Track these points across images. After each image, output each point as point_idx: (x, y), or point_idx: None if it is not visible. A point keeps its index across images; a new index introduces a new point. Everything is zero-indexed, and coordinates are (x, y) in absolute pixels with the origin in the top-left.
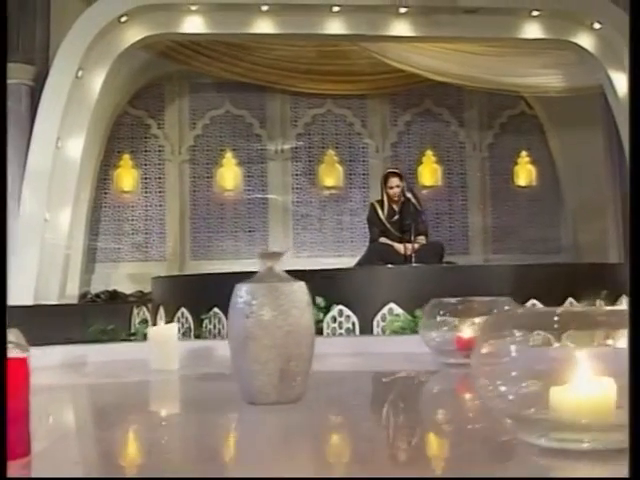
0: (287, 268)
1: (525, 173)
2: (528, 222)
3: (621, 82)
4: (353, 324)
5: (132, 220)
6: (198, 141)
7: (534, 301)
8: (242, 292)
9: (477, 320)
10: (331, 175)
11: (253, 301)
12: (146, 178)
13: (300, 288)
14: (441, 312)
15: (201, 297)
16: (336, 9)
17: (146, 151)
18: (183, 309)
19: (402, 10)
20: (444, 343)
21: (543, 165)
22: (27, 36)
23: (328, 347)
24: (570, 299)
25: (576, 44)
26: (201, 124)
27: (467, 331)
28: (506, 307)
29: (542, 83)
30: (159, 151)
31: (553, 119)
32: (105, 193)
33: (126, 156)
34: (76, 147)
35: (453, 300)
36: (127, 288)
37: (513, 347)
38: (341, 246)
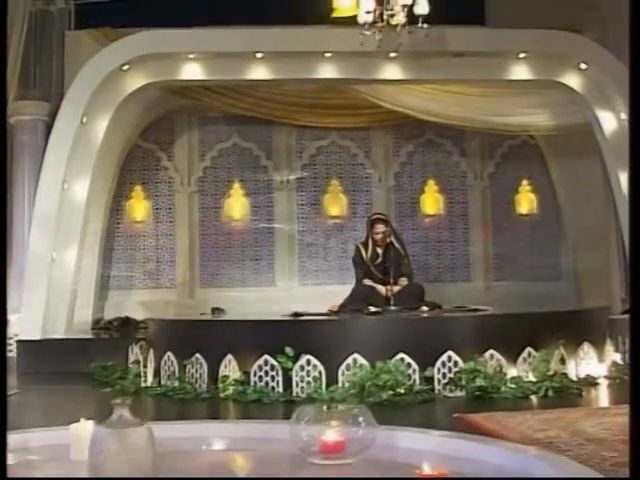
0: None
1: (526, 201)
2: (529, 249)
3: (607, 120)
4: (320, 373)
5: (144, 249)
6: (207, 172)
7: (492, 351)
8: (98, 434)
9: (335, 423)
10: (335, 205)
11: (104, 442)
12: (157, 208)
13: (143, 430)
14: (306, 418)
15: (184, 342)
16: (328, 55)
17: (157, 182)
18: (169, 352)
19: (392, 54)
20: (310, 444)
21: (544, 193)
22: (44, 73)
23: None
24: (528, 348)
25: (563, 84)
26: (210, 156)
27: (331, 435)
28: (360, 418)
29: (532, 122)
30: (169, 182)
31: (554, 149)
32: (118, 223)
33: (138, 187)
34: (82, 189)
35: (319, 407)
36: (139, 315)
37: None
38: (345, 274)
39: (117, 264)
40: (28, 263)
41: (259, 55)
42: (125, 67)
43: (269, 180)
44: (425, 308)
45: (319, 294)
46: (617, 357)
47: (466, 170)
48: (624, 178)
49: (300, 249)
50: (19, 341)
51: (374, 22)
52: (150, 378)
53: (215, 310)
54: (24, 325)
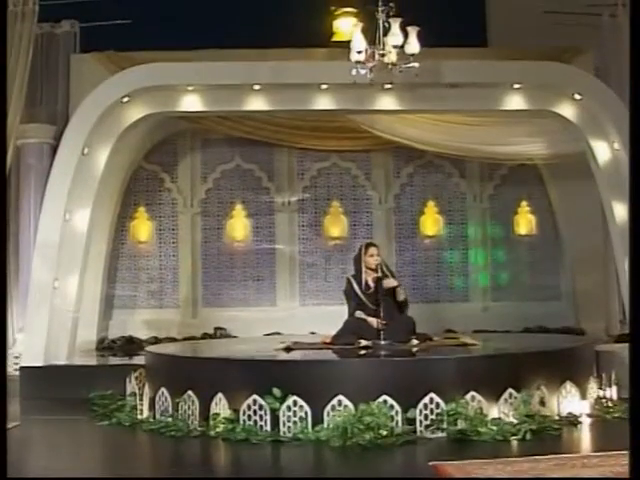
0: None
1: (525, 222)
2: (528, 270)
3: (602, 150)
4: (306, 413)
5: (147, 269)
6: (209, 194)
7: (473, 393)
8: None
9: None
10: (336, 226)
11: None
12: (160, 229)
13: None
14: None
15: (178, 378)
16: (324, 86)
17: (160, 204)
18: (163, 388)
19: (387, 86)
20: None
21: (543, 214)
22: (50, 96)
23: None
24: (510, 389)
25: (558, 114)
26: (212, 178)
27: None
28: None
29: (527, 151)
30: (173, 204)
31: (553, 170)
32: (122, 243)
33: (141, 209)
34: (84, 219)
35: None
36: (142, 334)
37: None
38: None
39: (121, 284)
40: (31, 291)
41: (257, 87)
42: (125, 99)
43: (271, 201)
44: (415, 341)
45: (320, 314)
46: (601, 393)
47: (465, 191)
48: (618, 207)
49: (301, 270)
50: (22, 367)
51: (366, 61)
52: (145, 412)
53: (217, 330)
54: (26, 351)
